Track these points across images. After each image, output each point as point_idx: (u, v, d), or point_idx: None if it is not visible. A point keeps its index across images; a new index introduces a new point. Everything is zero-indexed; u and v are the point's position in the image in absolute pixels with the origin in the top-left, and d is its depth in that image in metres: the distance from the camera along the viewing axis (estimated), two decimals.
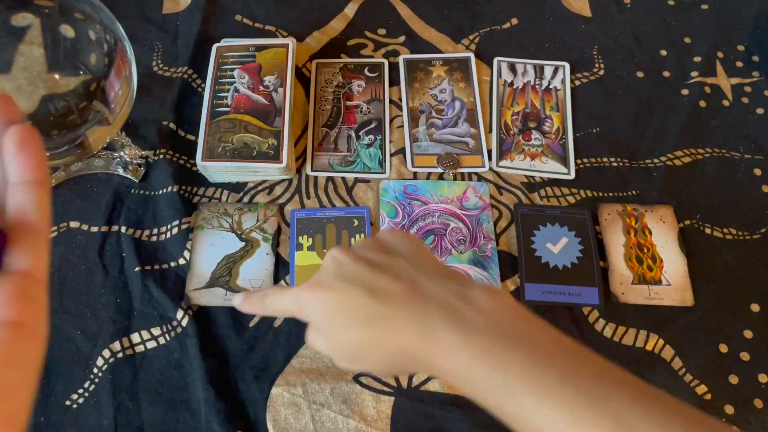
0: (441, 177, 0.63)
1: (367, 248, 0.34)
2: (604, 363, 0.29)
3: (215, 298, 0.55)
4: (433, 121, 0.65)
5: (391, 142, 0.64)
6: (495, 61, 0.70)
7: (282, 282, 0.57)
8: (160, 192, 0.60)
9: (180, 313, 0.54)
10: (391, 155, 0.64)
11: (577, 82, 0.69)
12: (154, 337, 0.54)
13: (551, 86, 0.68)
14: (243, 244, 0.58)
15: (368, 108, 0.66)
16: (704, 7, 0.74)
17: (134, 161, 0.60)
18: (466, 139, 0.65)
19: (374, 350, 0.32)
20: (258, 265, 0.57)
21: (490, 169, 0.63)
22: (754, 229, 0.60)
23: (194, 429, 0.50)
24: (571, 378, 0.27)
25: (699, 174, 0.63)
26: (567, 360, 0.28)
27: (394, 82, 0.68)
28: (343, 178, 0.62)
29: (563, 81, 0.68)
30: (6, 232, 0.21)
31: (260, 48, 0.65)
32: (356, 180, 0.62)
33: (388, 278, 0.32)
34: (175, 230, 0.58)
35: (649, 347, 0.54)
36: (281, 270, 0.57)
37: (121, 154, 0.60)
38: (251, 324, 0.55)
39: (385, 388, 0.52)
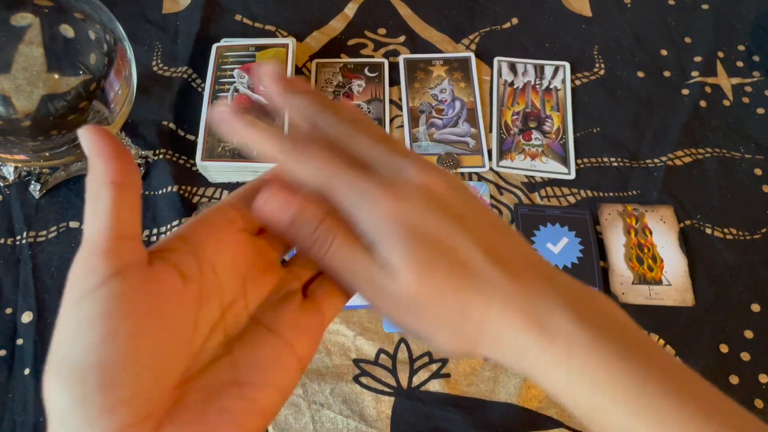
0: None
1: (434, 211, 0.25)
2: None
3: None
4: (433, 121, 0.65)
5: None
6: (495, 60, 0.70)
7: None
8: (160, 192, 0.60)
9: None
10: None
11: (578, 82, 0.69)
12: None
13: (551, 86, 0.68)
14: None
15: (368, 108, 0.66)
16: (704, 7, 0.74)
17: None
18: (466, 138, 0.65)
19: (451, 311, 0.25)
20: None
21: (491, 169, 0.63)
22: (754, 229, 0.60)
23: None
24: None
25: (699, 174, 0.63)
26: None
27: (394, 82, 0.68)
28: None
29: (563, 81, 0.68)
30: None
31: (260, 48, 0.65)
32: None
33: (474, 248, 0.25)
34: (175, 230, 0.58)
35: None
36: None
37: None
38: None
39: (385, 389, 0.52)
